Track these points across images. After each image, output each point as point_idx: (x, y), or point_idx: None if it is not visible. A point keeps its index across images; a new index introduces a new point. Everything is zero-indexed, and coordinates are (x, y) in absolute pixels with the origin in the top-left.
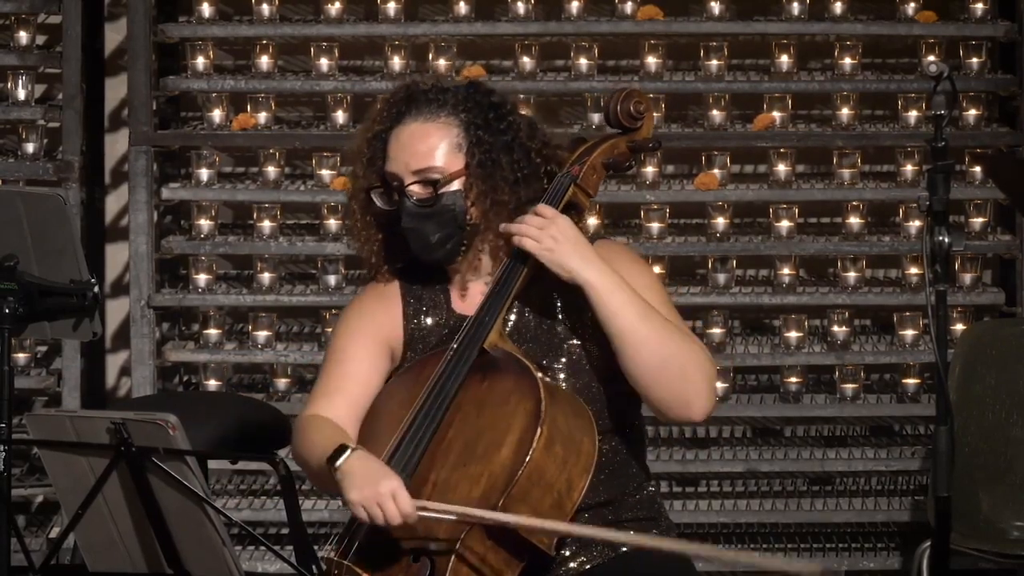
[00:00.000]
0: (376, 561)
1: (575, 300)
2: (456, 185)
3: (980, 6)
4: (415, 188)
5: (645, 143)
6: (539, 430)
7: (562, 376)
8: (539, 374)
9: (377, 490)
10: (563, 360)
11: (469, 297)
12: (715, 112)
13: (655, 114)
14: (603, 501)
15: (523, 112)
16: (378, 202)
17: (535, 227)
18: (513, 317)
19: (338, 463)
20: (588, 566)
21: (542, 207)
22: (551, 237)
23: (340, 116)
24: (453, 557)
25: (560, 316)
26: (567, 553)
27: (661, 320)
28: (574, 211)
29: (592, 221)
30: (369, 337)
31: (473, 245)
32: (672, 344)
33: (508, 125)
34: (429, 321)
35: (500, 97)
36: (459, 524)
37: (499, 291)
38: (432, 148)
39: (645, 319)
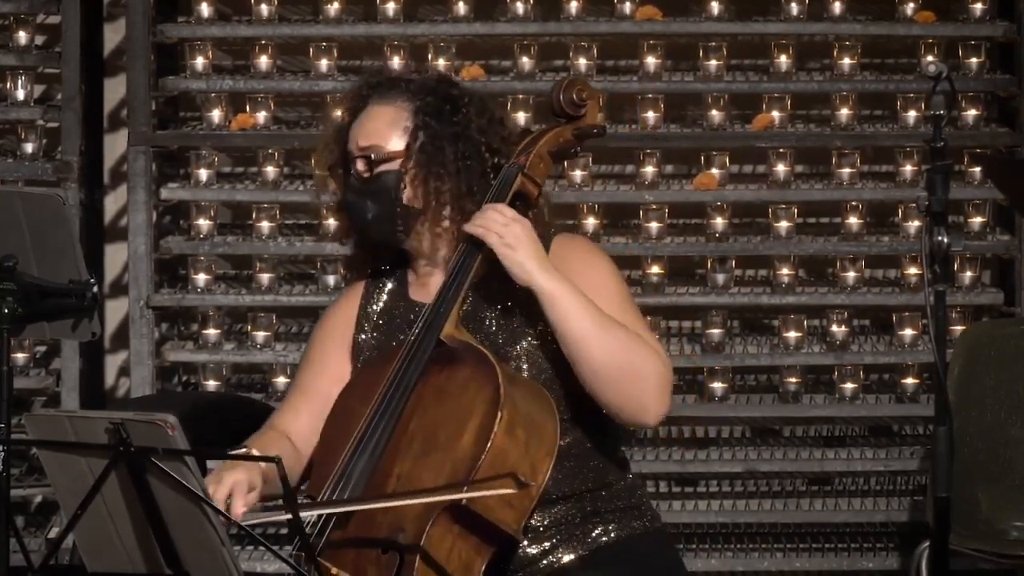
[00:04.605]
0: (346, 556)
1: (531, 291)
2: (394, 165)
3: (979, 6)
4: (359, 165)
5: (590, 130)
6: (499, 414)
7: (522, 365)
8: (496, 361)
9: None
10: (520, 346)
11: (427, 286)
12: (714, 112)
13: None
14: (580, 491)
15: (493, 112)
16: (334, 182)
17: (499, 223)
18: (470, 307)
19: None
20: (557, 566)
21: (502, 207)
22: (514, 236)
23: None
24: (420, 548)
25: (517, 306)
26: (537, 550)
27: (614, 325)
28: (521, 201)
29: (591, 221)
30: (335, 345)
31: (415, 229)
32: (626, 350)
33: (461, 117)
34: (383, 309)
35: (462, 92)
36: (426, 513)
37: (453, 282)
38: (379, 127)
39: (597, 325)
